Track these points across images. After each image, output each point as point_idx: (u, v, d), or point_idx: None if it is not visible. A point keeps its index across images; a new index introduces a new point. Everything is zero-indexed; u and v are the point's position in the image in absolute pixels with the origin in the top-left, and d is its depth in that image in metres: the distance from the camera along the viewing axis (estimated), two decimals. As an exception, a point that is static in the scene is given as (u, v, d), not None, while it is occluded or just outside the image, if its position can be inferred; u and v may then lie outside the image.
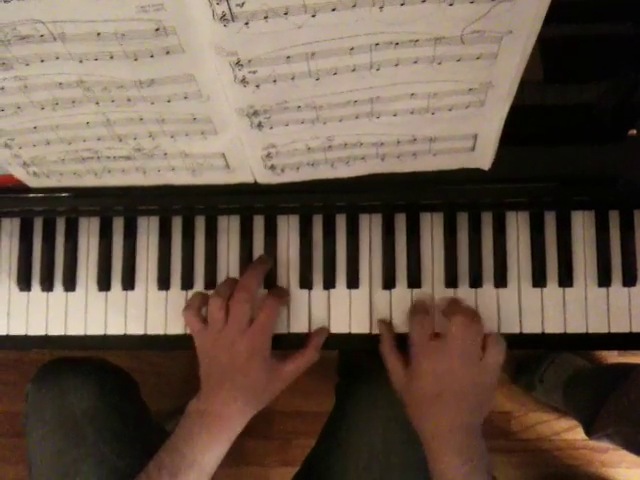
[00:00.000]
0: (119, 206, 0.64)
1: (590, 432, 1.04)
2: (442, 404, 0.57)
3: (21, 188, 0.58)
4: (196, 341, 0.61)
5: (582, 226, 0.63)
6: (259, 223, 0.65)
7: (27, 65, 0.43)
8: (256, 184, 0.57)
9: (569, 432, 1.21)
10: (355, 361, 0.76)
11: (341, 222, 0.64)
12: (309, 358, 0.62)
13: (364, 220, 0.64)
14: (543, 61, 0.54)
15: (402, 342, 0.61)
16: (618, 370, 1.04)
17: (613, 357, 1.18)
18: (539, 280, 0.62)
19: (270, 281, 0.64)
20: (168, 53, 0.41)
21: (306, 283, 0.64)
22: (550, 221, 0.63)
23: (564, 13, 0.42)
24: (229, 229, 0.65)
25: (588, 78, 0.57)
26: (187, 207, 0.65)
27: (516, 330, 0.62)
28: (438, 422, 0.57)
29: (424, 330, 0.59)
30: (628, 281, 0.62)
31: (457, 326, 0.57)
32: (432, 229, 0.64)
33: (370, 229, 0.64)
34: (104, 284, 0.65)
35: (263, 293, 0.63)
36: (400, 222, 0.64)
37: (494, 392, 0.59)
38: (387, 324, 0.63)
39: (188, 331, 0.63)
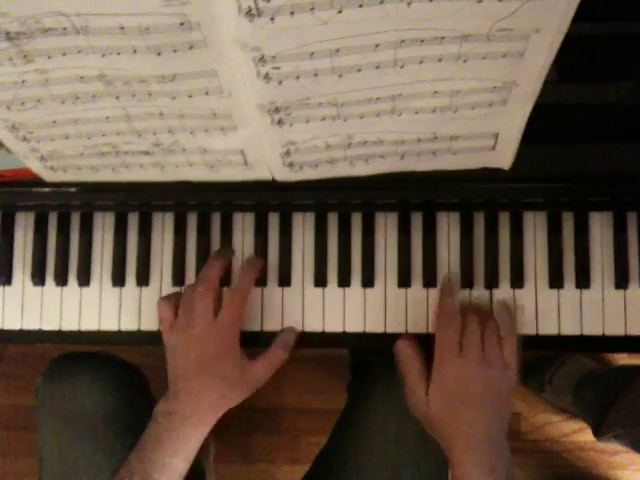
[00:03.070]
0: (134, 201, 0.64)
1: (598, 433, 1.04)
2: (464, 411, 0.56)
3: (36, 182, 0.58)
4: (163, 337, 0.60)
5: (600, 227, 0.63)
6: (274, 220, 0.65)
7: (49, 58, 0.42)
8: (272, 181, 0.57)
9: (578, 434, 1.21)
10: (367, 359, 0.75)
11: (357, 220, 0.64)
12: (278, 356, 0.61)
13: (380, 218, 0.64)
14: (558, 60, 0.53)
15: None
16: (627, 371, 1.04)
17: (623, 359, 1.18)
18: (556, 281, 0.62)
19: (284, 279, 0.64)
20: (191, 48, 0.41)
21: (321, 281, 0.64)
22: (568, 222, 0.63)
23: (583, 11, 0.41)
24: (244, 226, 0.65)
25: (607, 78, 0.56)
26: (202, 203, 0.64)
27: (532, 331, 0.62)
28: (461, 431, 0.56)
29: (453, 332, 0.58)
30: (646, 283, 0.62)
31: (472, 331, 0.57)
32: (448, 228, 0.63)
33: (386, 228, 0.64)
34: (118, 280, 0.65)
35: (277, 289, 0.63)
36: (416, 221, 0.64)
37: (511, 395, 0.58)
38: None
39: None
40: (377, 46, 0.41)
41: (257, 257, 0.64)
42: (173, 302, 0.61)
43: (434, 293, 0.63)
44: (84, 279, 0.65)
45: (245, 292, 0.60)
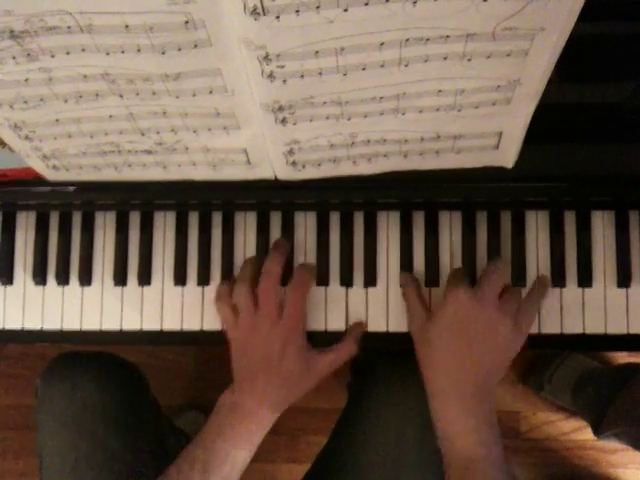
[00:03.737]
0: (136, 200, 0.64)
1: (598, 432, 1.04)
2: (456, 352, 0.56)
3: (38, 181, 0.58)
4: (229, 333, 0.61)
5: (602, 226, 0.63)
6: (276, 219, 0.64)
7: (52, 57, 0.42)
8: (274, 180, 0.57)
9: (577, 432, 1.21)
10: (368, 359, 0.75)
11: (359, 219, 0.64)
12: (348, 350, 0.61)
13: (382, 217, 0.64)
14: (561, 60, 0.53)
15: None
16: (627, 370, 1.04)
17: (622, 357, 1.18)
18: (558, 280, 0.62)
19: (287, 278, 0.63)
20: (196, 46, 0.41)
21: (323, 280, 0.63)
22: (570, 221, 0.63)
23: (587, 11, 0.41)
24: (246, 225, 0.65)
25: (610, 78, 0.57)
26: (204, 202, 0.64)
27: (535, 330, 0.61)
28: (447, 373, 0.56)
29: (460, 277, 0.58)
30: (648, 282, 0.62)
31: (494, 277, 0.57)
32: (450, 227, 0.63)
33: (388, 227, 0.64)
34: (120, 279, 0.65)
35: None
36: (418, 220, 0.64)
37: (511, 358, 0.58)
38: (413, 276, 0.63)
39: (204, 327, 0.63)
40: (382, 45, 0.41)
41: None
42: (228, 298, 0.61)
43: (436, 292, 0.63)
44: (85, 278, 0.65)
45: (305, 288, 0.61)
